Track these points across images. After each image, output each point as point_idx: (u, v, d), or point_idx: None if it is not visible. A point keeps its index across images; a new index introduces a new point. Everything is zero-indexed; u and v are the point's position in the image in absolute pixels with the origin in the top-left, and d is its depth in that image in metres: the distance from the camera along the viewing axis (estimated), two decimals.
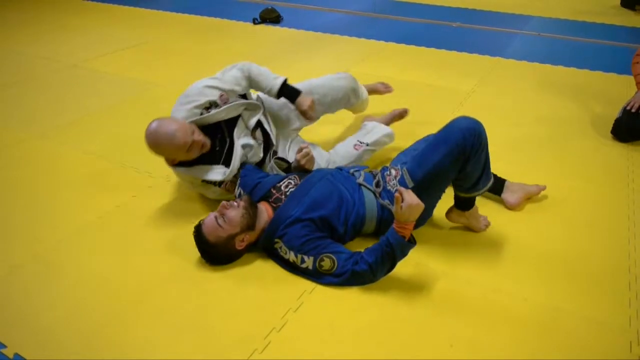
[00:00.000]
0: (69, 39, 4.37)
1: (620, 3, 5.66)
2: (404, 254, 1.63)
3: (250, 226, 1.73)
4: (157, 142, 1.86)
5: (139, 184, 2.26)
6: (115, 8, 5.48)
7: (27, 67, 3.73)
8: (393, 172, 1.86)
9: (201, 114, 1.96)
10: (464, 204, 1.87)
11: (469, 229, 1.95)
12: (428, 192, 1.78)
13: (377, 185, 1.85)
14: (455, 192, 1.86)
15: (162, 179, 2.30)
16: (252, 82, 2.12)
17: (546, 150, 2.59)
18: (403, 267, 1.77)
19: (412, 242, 1.62)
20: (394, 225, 1.61)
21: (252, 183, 1.93)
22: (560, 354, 1.46)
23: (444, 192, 1.86)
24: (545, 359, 1.44)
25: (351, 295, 1.64)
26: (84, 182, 2.29)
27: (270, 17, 4.91)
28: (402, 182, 1.78)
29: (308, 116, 2.14)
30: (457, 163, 1.69)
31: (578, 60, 3.94)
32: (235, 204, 1.75)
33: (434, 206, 1.90)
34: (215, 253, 1.73)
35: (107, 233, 1.95)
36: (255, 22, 4.89)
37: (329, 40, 4.37)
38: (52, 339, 1.50)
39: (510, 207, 2.10)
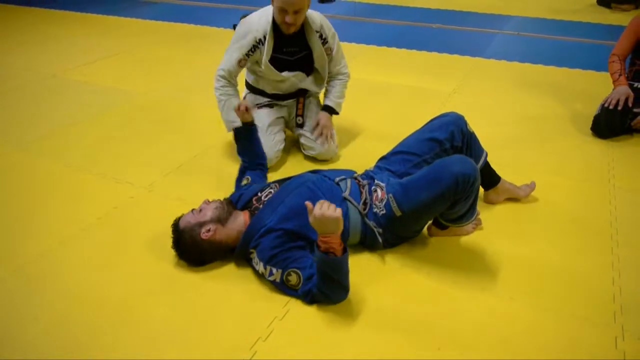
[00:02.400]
0: (48, 49, 4.31)
1: (597, 1, 5.74)
2: (335, 269, 1.52)
3: (220, 219, 1.74)
4: None
5: (120, 194, 2.23)
6: (95, 17, 5.42)
7: (4, 77, 3.66)
8: (379, 193, 1.80)
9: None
10: (442, 226, 1.85)
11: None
12: (416, 220, 1.79)
13: (364, 203, 1.80)
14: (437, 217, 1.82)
15: (143, 189, 2.27)
16: (330, 81, 2.51)
17: (528, 149, 2.61)
18: (388, 271, 1.77)
19: (339, 255, 1.50)
20: (317, 240, 1.52)
21: (237, 194, 1.92)
22: (547, 352, 1.46)
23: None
24: (531, 358, 1.44)
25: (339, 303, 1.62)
26: (64, 194, 2.25)
27: None
28: (387, 207, 1.75)
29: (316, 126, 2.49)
30: (446, 204, 1.66)
31: (557, 58, 3.99)
32: (214, 202, 1.80)
33: (422, 227, 1.88)
34: (181, 240, 1.73)
35: (89, 245, 1.92)
36: (235, 28, 4.87)
37: None
38: (35, 353, 1.47)
39: (488, 202, 2.13)
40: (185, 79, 3.63)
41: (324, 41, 2.35)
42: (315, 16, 2.33)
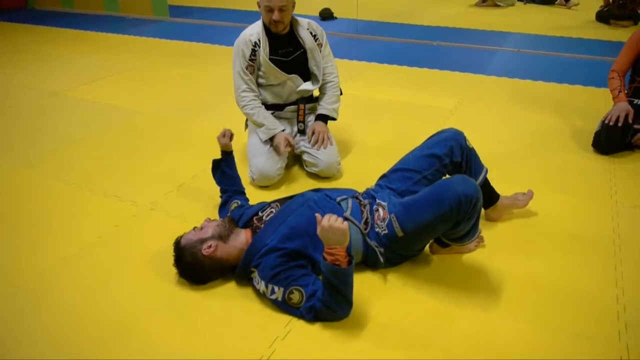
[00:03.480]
0: (51, 68, 4.35)
1: (596, 18, 5.79)
2: (341, 280, 1.53)
3: (222, 236, 1.74)
4: None
5: (122, 213, 2.23)
6: (97, 35, 5.48)
7: (7, 96, 3.69)
8: (381, 212, 1.80)
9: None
10: (444, 244, 1.84)
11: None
12: (418, 240, 1.79)
13: (366, 223, 1.79)
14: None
15: (145, 207, 2.27)
16: (322, 85, 2.58)
17: (529, 165, 2.61)
18: (390, 290, 1.76)
19: (344, 266, 1.52)
20: (323, 252, 1.55)
21: (238, 214, 1.92)
22: None
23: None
24: None
25: (341, 321, 1.61)
26: (65, 212, 2.26)
27: None
28: (390, 227, 1.74)
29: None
30: (449, 224, 1.65)
31: (557, 74, 4.01)
32: (216, 220, 1.83)
33: (424, 246, 1.88)
34: (182, 257, 1.73)
35: (90, 264, 1.92)
36: None
37: None
38: None
39: (489, 220, 2.13)
40: (187, 97, 3.66)
41: (315, 37, 2.49)
42: (303, 19, 2.51)
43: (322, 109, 2.57)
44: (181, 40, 5.23)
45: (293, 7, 2.39)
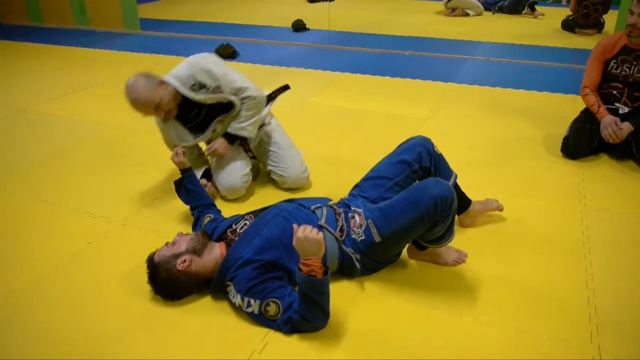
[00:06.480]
0: (18, 84, 4.26)
1: (561, 26, 5.95)
2: (317, 291, 1.53)
3: (196, 250, 1.73)
4: (129, 98, 2.16)
5: (95, 229, 2.19)
6: (67, 50, 5.40)
7: None
8: (357, 219, 1.80)
9: (192, 88, 2.25)
10: (421, 246, 1.87)
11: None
12: (395, 245, 1.80)
13: (341, 230, 1.80)
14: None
15: (118, 223, 2.24)
16: (243, 107, 2.35)
17: (501, 171, 2.65)
18: (367, 297, 1.76)
19: (320, 277, 1.52)
20: (298, 264, 1.55)
21: (211, 227, 1.91)
22: None
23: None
24: None
25: (318, 332, 1.61)
26: (36, 231, 2.21)
27: (227, 53, 4.93)
28: (367, 233, 1.75)
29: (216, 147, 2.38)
30: (425, 226, 1.67)
31: (526, 82, 4.10)
32: (188, 234, 1.80)
33: (400, 251, 1.89)
34: (157, 274, 1.70)
35: (61, 283, 1.87)
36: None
37: (286, 73, 4.41)
38: None
39: (463, 226, 2.15)
40: None
41: (201, 86, 2.24)
42: (182, 76, 2.24)
43: (230, 127, 2.37)
44: (153, 54, 5.18)
45: (166, 95, 2.18)
